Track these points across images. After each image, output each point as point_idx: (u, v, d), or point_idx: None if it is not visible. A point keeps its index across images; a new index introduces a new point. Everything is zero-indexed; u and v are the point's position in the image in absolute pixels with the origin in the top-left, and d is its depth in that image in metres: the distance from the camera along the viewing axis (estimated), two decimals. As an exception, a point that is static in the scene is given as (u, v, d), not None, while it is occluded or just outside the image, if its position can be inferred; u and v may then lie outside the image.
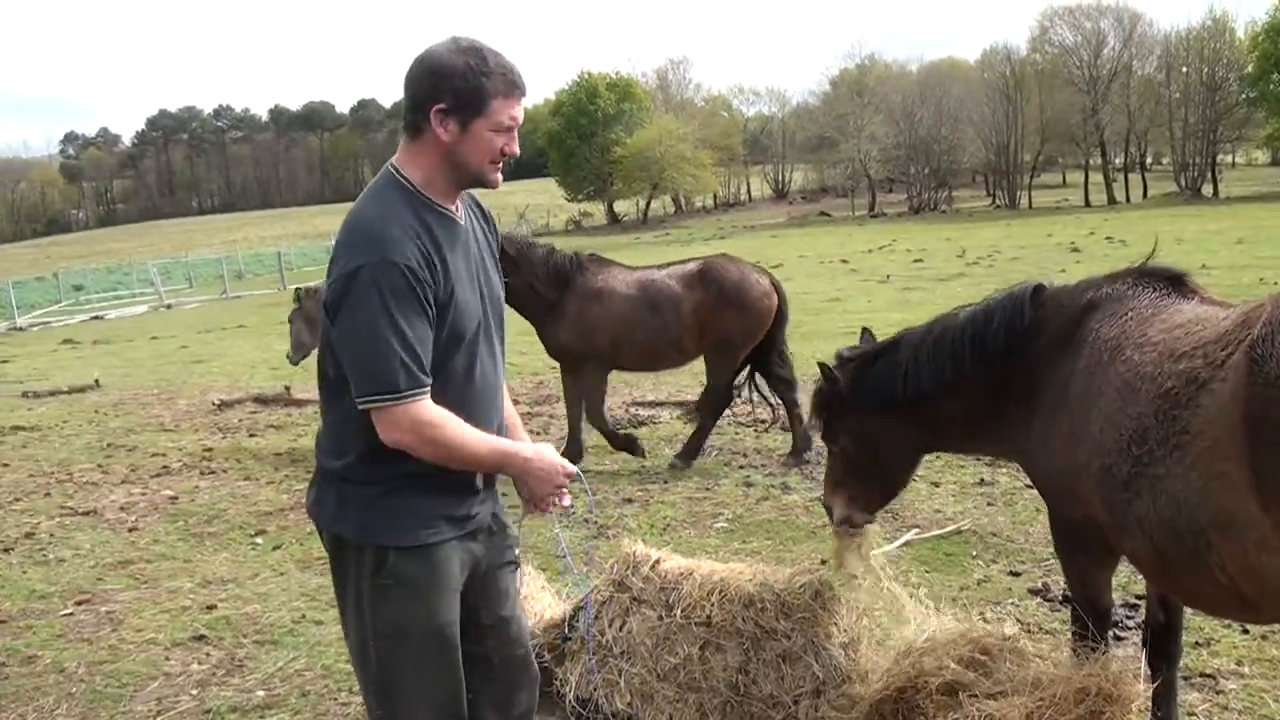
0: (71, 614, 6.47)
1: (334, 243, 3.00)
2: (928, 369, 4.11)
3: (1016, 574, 6.16)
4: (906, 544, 6.71)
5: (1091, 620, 3.92)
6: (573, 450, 9.33)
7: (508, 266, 8.81)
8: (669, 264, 10.15)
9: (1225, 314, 3.33)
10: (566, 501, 3.21)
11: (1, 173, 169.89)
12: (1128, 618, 5.47)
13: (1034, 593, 5.86)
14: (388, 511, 3.03)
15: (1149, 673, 3.90)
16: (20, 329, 39.50)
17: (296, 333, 11.37)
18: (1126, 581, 5.93)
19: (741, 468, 9.06)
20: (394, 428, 2.88)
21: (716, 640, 4.20)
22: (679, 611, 4.25)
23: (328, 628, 5.88)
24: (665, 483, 8.68)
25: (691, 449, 9.49)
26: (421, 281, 2.87)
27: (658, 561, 4.50)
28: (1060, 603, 5.67)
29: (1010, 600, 5.80)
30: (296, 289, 12.03)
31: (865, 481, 4.48)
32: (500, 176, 3.10)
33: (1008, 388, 3.95)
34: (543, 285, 9.40)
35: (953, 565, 6.33)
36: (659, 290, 9.56)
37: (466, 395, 3.11)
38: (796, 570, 4.36)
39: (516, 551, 3.47)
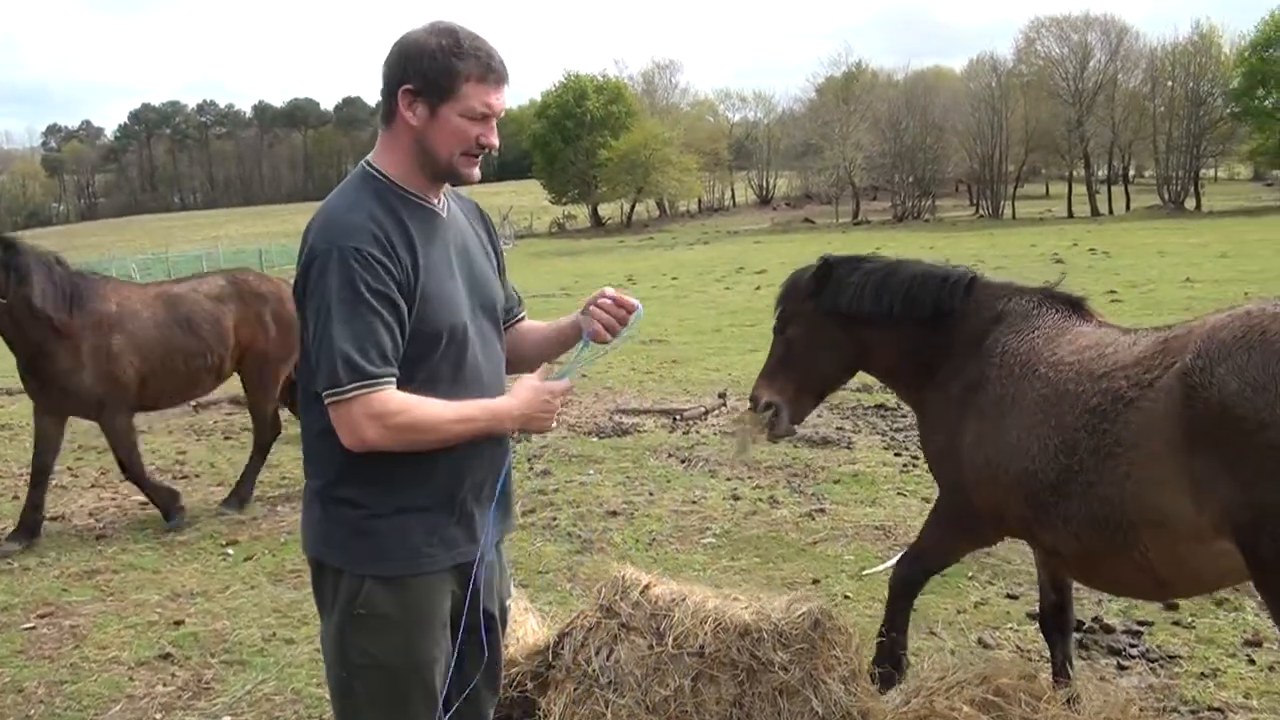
0: (34, 628, 6.20)
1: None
2: (871, 296, 4.46)
3: (1014, 597, 5.96)
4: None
5: (921, 579, 4.57)
6: (241, 496, 8.79)
7: None
8: (185, 279, 9.16)
9: (1131, 339, 3.76)
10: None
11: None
12: (1131, 645, 5.30)
13: (1033, 617, 5.61)
14: (370, 536, 2.81)
15: (1049, 652, 4.58)
16: (-4, 323, 38.99)
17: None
18: (1128, 606, 5.75)
19: (729, 480, 8.82)
20: (350, 427, 2.66)
21: (710, 672, 3.96)
22: (670, 640, 4.01)
23: (299, 647, 5.64)
24: (650, 495, 8.45)
25: (244, 491, 8.85)
26: (378, 266, 2.66)
27: (648, 586, 4.25)
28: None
29: (1009, 625, 5.60)
30: None
31: (798, 378, 4.68)
32: (476, 171, 2.88)
33: (928, 359, 4.40)
34: (51, 306, 7.82)
35: (948, 587, 6.12)
36: (193, 307, 8.45)
37: (456, 396, 2.86)
38: (795, 598, 4.13)
39: (509, 600, 3.26)
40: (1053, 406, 3.71)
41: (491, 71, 2.78)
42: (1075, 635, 5.40)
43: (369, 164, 2.87)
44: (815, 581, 6.30)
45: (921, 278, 4.43)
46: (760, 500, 8.12)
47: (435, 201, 2.91)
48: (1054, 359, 3.85)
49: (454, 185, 2.98)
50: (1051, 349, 3.92)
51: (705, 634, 3.96)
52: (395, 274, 2.69)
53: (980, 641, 5.38)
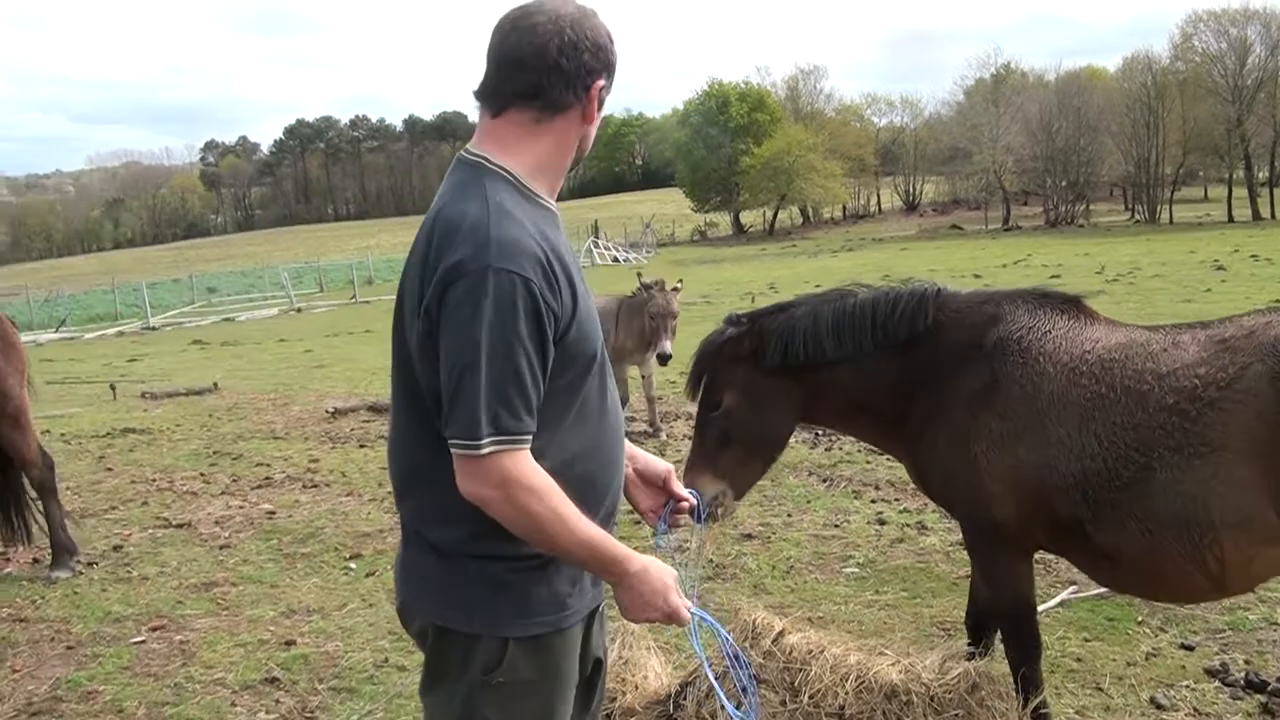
0: (143, 641, 6.04)
1: (426, 242, 2.35)
2: (830, 337, 4.17)
3: (1189, 648, 5.31)
4: (1063, 604, 5.91)
5: (1026, 616, 4.05)
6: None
7: None
8: None
9: (1164, 335, 3.78)
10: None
11: (144, 178, 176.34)
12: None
13: (1211, 674, 5.01)
14: (514, 591, 2.41)
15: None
16: (153, 329, 40.45)
17: None
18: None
19: (873, 501, 8.28)
20: (476, 480, 2.25)
21: (850, 735, 3.49)
22: (806, 697, 3.55)
23: (410, 675, 5.29)
24: (789, 516, 7.96)
25: (64, 542, 7.36)
26: (540, 297, 2.26)
27: (782, 633, 3.79)
28: (1243, 688, 4.85)
29: (1185, 682, 4.95)
30: None
31: (744, 453, 4.20)
32: None
33: (909, 384, 4.10)
34: None
35: (1116, 633, 5.51)
36: None
37: (603, 431, 2.52)
38: (949, 654, 3.64)
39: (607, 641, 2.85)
40: (1114, 405, 3.64)
41: None
42: (1260, 698, 4.78)
43: (490, 161, 2.42)
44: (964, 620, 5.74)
45: (889, 302, 4.17)
46: (907, 526, 7.56)
47: (554, 206, 2.53)
48: (1093, 357, 3.78)
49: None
50: (1080, 346, 3.85)
51: (846, 693, 3.49)
52: (554, 305, 2.30)
53: (1153, 701, 4.76)
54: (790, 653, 3.69)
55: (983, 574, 4.21)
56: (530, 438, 2.28)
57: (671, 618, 2.48)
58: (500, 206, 2.31)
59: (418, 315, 2.31)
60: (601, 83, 2.43)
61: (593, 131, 2.52)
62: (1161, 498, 3.54)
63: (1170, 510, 3.53)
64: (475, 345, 2.21)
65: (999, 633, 4.20)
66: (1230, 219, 69.38)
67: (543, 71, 2.37)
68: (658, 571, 2.45)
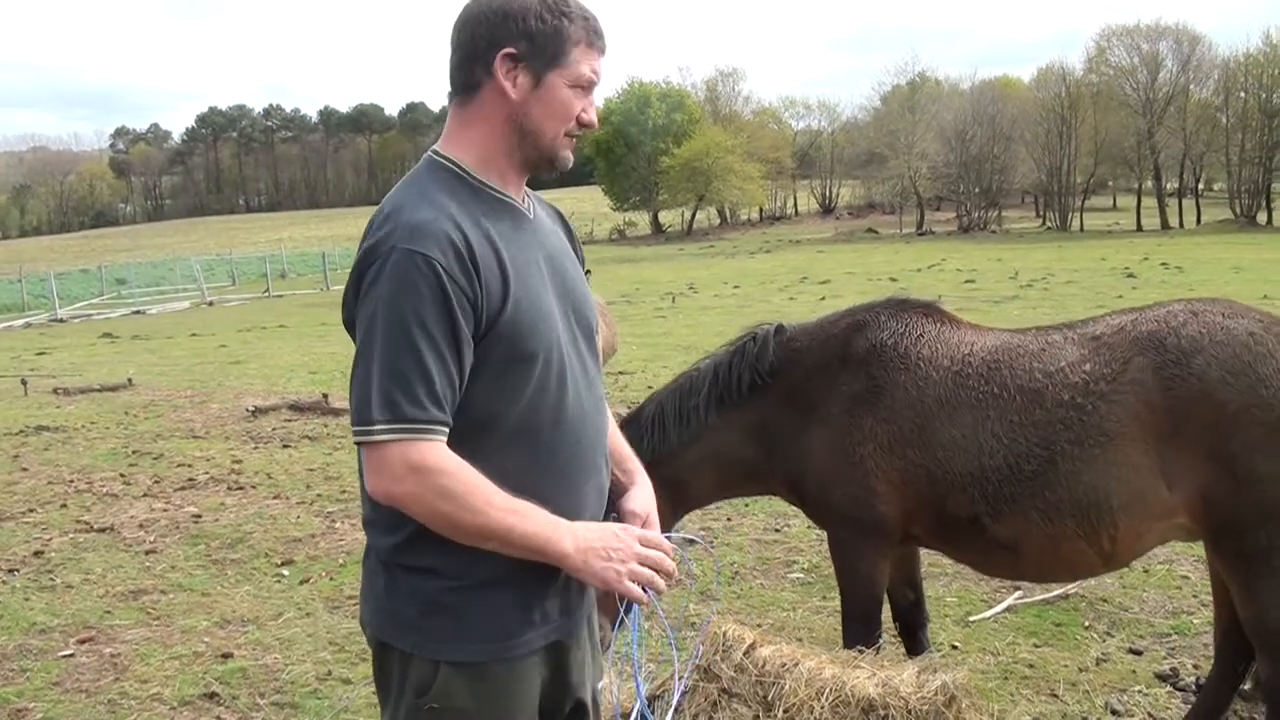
0: (72, 655, 5.77)
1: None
2: (675, 424, 4.32)
3: (1138, 652, 5.36)
4: (1009, 609, 5.94)
5: (873, 612, 4.27)
6: None
7: None
8: None
9: (1034, 336, 4.00)
10: (662, 586, 2.31)
11: (51, 164, 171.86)
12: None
13: (1162, 678, 5.06)
14: (449, 613, 2.26)
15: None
16: (61, 320, 39.47)
17: None
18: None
19: (811, 506, 8.27)
20: (380, 475, 2.13)
21: (826, 752, 3.44)
22: (780, 712, 3.48)
23: (356, 689, 5.15)
24: (728, 520, 7.91)
25: None
26: (448, 280, 2.13)
27: (753, 645, 3.72)
28: (1194, 693, 4.89)
29: (1137, 687, 4.99)
30: None
31: None
32: (571, 155, 2.41)
33: (767, 423, 4.27)
34: None
35: (1065, 639, 5.55)
36: None
37: (555, 450, 2.34)
38: (924, 666, 3.59)
39: (601, 685, 2.72)
40: (1010, 403, 3.81)
41: (599, 35, 2.36)
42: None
43: (437, 153, 2.36)
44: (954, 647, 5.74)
45: (725, 360, 4.34)
46: (848, 531, 7.55)
47: (517, 198, 2.39)
48: (976, 359, 3.95)
49: (548, 173, 2.44)
50: (958, 350, 4.01)
51: (822, 708, 3.43)
52: (469, 293, 2.16)
53: (1109, 708, 4.78)
54: (763, 666, 3.62)
55: (846, 571, 4.31)
56: (441, 430, 2.15)
57: (648, 548, 2.32)
58: (423, 192, 2.25)
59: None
60: (510, 50, 2.25)
61: (536, 110, 2.30)
62: (1063, 487, 3.73)
63: (1072, 498, 3.72)
64: (370, 325, 2.14)
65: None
66: (1139, 228, 71.15)
67: (454, 55, 2.33)
68: (601, 528, 2.31)
